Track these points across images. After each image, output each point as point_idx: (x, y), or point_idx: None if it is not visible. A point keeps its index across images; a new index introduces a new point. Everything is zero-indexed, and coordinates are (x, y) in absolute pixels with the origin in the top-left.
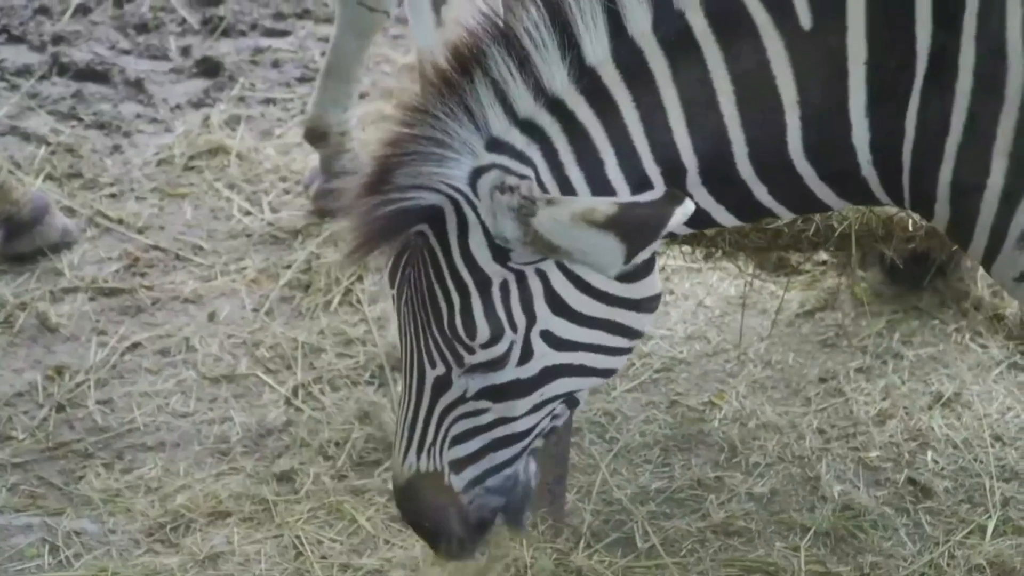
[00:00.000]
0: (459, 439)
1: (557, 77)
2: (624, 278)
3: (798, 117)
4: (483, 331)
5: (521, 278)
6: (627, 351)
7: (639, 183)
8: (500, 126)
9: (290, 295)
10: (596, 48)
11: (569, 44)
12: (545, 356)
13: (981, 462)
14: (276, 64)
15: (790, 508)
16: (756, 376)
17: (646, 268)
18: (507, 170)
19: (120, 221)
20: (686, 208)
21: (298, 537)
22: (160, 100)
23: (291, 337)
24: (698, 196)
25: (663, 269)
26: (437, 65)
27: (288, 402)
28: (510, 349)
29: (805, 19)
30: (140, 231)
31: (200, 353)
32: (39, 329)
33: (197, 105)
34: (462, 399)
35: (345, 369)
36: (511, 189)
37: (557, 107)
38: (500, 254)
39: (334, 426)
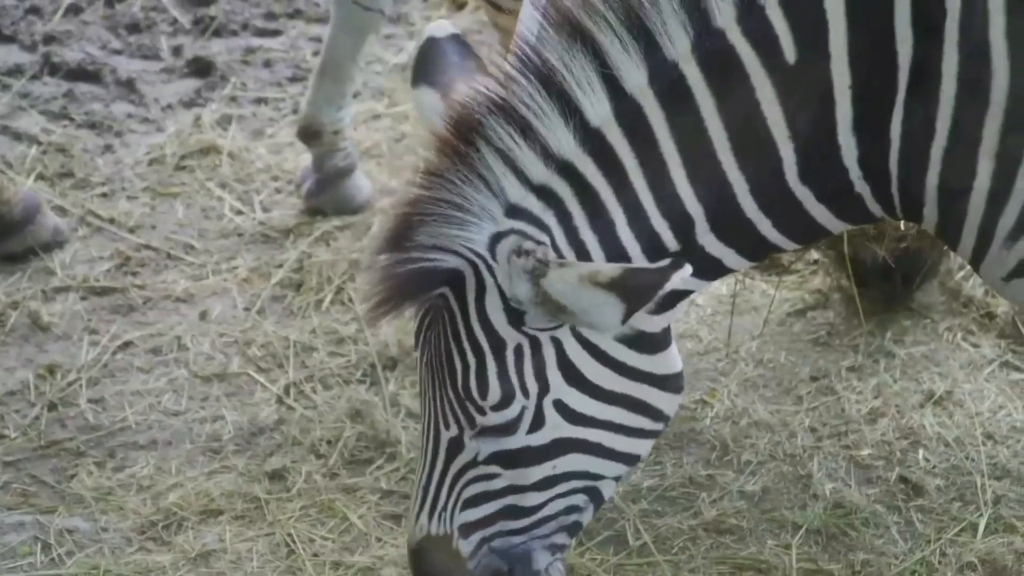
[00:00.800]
0: (470, 503)
1: (563, 141)
2: (642, 348)
3: (792, 150)
4: (495, 393)
5: (535, 344)
6: (651, 434)
7: (650, 240)
8: (517, 193)
9: (282, 294)
10: (598, 109)
11: (570, 109)
12: (559, 427)
13: (973, 460)
14: (268, 64)
15: (782, 506)
16: (748, 375)
17: (663, 340)
18: (525, 235)
19: (111, 220)
20: (684, 273)
21: (290, 535)
22: (151, 100)
23: (283, 336)
24: (707, 244)
25: None
26: (441, 136)
27: (280, 401)
28: (521, 414)
29: (790, 53)
30: (131, 230)
31: (192, 352)
32: (31, 328)
33: (188, 105)
34: (474, 462)
35: (337, 368)
36: (527, 253)
37: (568, 171)
38: (515, 318)
39: (326, 424)
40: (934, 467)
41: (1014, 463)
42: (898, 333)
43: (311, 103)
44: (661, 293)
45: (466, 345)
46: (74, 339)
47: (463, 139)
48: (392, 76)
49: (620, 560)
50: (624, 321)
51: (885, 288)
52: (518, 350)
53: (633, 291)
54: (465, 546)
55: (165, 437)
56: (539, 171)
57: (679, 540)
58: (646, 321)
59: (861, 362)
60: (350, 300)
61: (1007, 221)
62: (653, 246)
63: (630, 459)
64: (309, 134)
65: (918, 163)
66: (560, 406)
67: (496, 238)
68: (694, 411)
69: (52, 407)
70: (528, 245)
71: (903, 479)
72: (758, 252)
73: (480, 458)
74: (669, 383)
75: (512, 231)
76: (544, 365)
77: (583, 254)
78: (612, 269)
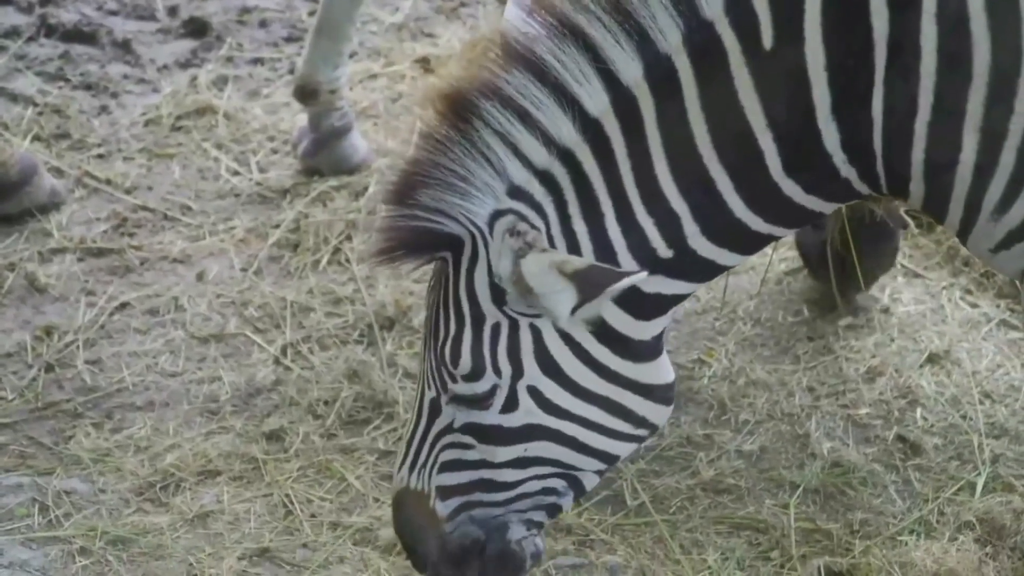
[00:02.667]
0: (446, 467)
1: (563, 129)
2: (628, 355)
3: (772, 140)
4: (465, 363)
5: (513, 326)
6: (633, 438)
7: (637, 236)
8: (520, 176)
9: (279, 254)
10: (596, 100)
11: (567, 100)
12: (532, 413)
13: (970, 419)
14: (263, 24)
15: (779, 465)
16: (745, 334)
17: (653, 348)
18: (523, 217)
19: (108, 181)
20: (637, 278)
21: (288, 496)
22: (147, 61)
23: (280, 296)
24: (699, 248)
25: None
26: (438, 109)
27: (277, 361)
28: (493, 392)
29: (767, 39)
30: (128, 191)
31: (189, 313)
32: (27, 290)
33: (184, 65)
34: (450, 428)
35: (334, 328)
36: (520, 234)
37: (568, 159)
38: (498, 296)
39: (323, 385)
40: (932, 426)
41: (1012, 422)
42: (896, 292)
43: (308, 62)
44: (612, 292)
45: (451, 311)
46: (71, 300)
47: (459, 117)
48: (388, 36)
49: (618, 520)
50: (574, 311)
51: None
52: (495, 328)
53: (589, 284)
54: (442, 508)
55: (162, 398)
56: (541, 156)
57: (677, 500)
58: (634, 327)
59: (859, 321)
60: (347, 260)
61: (994, 193)
62: (641, 244)
63: (607, 457)
64: (306, 93)
65: (902, 139)
66: (535, 393)
67: (496, 215)
68: (692, 371)
69: (49, 368)
70: (522, 227)
71: (901, 438)
72: (751, 246)
73: (456, 425)
74: (656, 393)
75: (511, 211)
76: (519, 349)
77: (573, 244)
78: (580, 262)
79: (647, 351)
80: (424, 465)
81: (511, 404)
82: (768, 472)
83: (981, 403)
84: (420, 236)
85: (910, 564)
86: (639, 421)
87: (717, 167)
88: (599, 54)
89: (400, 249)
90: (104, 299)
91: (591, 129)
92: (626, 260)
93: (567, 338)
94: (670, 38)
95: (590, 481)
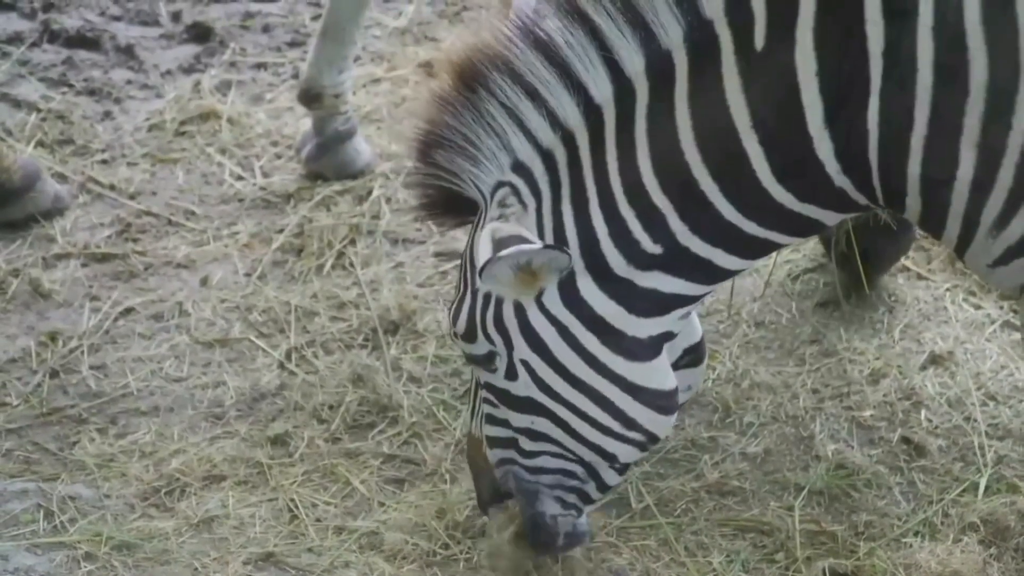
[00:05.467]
0: (486, 420)
1: (570, 112)
2: (618, 349)
3: (757, 143)
4: (461, 323)
5: (499, 298)
6: (625, 439)
7: (618, 227)
8: (525, 152)
9: (283, 259)
10: (601, 88)
11: (573, 83)
12: (529, 387)
13: (974, 421)
14: (266, 29)
15: (784, 467)
16: (749, 336)
17: (648, 350)
18: (516, 192)
19: (112, 187)
20: (553, 255)
21: (292, 500)
22: (151, 66)
23: (284, 301)
24: (692, 246)
25: None
26: (445, 78)
27: (281, 366)
28: (491, 357)
29: (759, 39)
30: (132, 197)
31: (193, 318)
32: (32, 295)
33: (188, 70)
34: (479, 384)
35: (338, 332)
36: (504, 206)
37: (570, 142)
38: None
39: (327, 389)
40: (936, 427)
41: (1016, 423)
42: (899, 293)
43: (312, 65)
44: (512, 261)
45: (462, 271)
46: (75, 306)
47: (467, 86)
48: (391, 40)
49: (623, 523)
50: (481, 272)
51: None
52: (486, 296)
53: (502, 247)
54: (491, 455)
55: (167, 403)
56: (547, 136)
57: (681, 502)
58: (628, 322)
59: (862, 323)
60: (351, 265)
61: (992, 210)
62: (622, 235)
63: (605, 454)
64: (310, 97)
65: (898, 153)
66: (527, 368)
67: (498, 186)
68: None
69: (54, 374)
70: (510, 200)
71: (905, 440)
72: (752, 251)
73: (481, 381)
74: (646, 395)
75: (510, 184)
76: (502, 319)
77: (559, 225)
78: (508, 230)
79: (641, 350)
80: (474, 414)
81: (512, 373)
82: (772, 474)
83: (985, 405)
84: (443, 196)
85: (914, 566)
86: (629, 422)
87: (699, 166)
88: (604, 42)
89: (430, 207)
90: (108, 304)
91: (593, 116)
92: (608, 249)
93: (551, 318)
94: (672, 34)
95: (609, 477)
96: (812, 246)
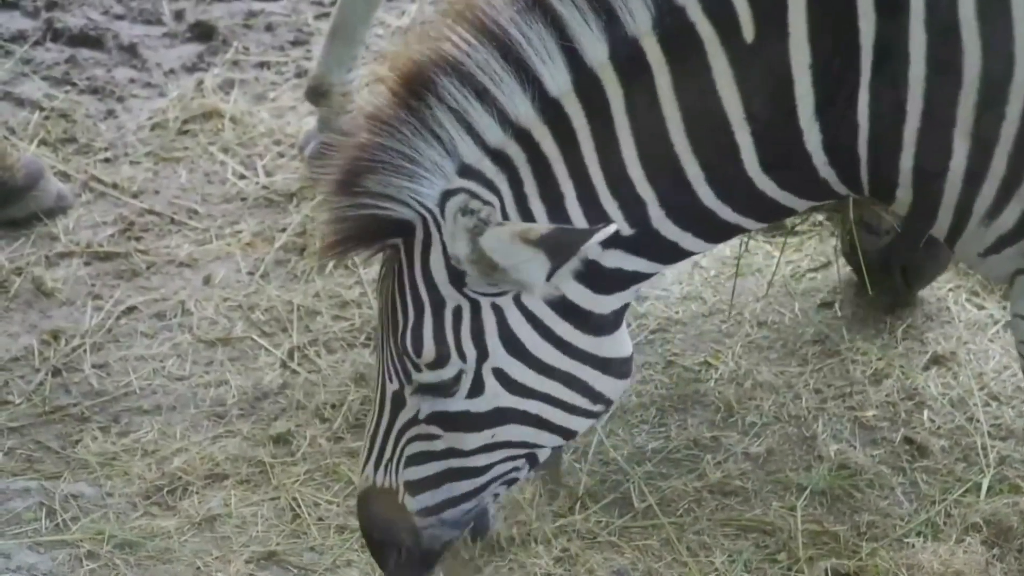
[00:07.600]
0: (413, 460)
1: (521, 108)
2: (587, 328)
3: (749, 134)
4: (429, 351)
5: (476, 308)
6: (589, 414)
7: (597, 218)
8: (472, 155)
9: (285, 258)
10: (558, 80)
11: (528, 78)
12: (498, 396)
13: (977, 421)
14: (269, 28)
15: (786, 467)
16: (752, 336)
17: (612, 322)
18: (474, 195)
19: (115, 186)
20: (607, 230)
21: (295, 499)
22: (154, 65)
23: (286, 300)
24: (663, 229)
25: None
26: (390, 87)
27: (284, 365)
28: (459, 377)
29: (748, 32)
30: (135, 195)
31: (196, 316)
32: (34, 294)
33: (191, 69)
34: (415, 420)
35: (340, 331)
36: (472, 212)
37: (524, 138)
38: (456, 278)
39: (330, 388)
40: (938, 428)
41: (1018, 424)
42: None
43: (321, 63)
44: (585, 249)
45: (408, 299)
46: (78, 304)
47: (413, 94)
48: (395, 40)
49: (625, 523)
50: (549, 277)
51: (886, 282)
52: (457, 311)
53: (558, 247)
54: (412, 503)
55: (169, 402)
56: (496, 135)
57: (684, 502)
58: (594, 301)
59: (865, 323)
60: (353, 264)
61: (985, 199)
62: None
63: (566, 433)
64: (318, 94)
65: (890, 145)
66: (500, 375)
67: (447, 195)
68: (698, 373)
69: (56, 373)
70: (475, 204)
71: (908, 440)
72: (718, 235)
73: (421, 416)
74: (612, 367)
75: (462, 190)
76: (483, 330)
77: (528, 221)
78: (543, 227)
79: (606, 325)
80: (390, 460)
81: (477, 388)
82: (775, 474)
83: (987, 405)
84: (368, 224)
85: (917, 566)
86: (596, 396)
87: (689, 157)
88: (565, 32)
89: (348, 241)
90: (111, 303)
91: (551, 109)
92: None
93: (529, 315)
94: (639, 20)
95: (544, 455)
96: (814, 246)
